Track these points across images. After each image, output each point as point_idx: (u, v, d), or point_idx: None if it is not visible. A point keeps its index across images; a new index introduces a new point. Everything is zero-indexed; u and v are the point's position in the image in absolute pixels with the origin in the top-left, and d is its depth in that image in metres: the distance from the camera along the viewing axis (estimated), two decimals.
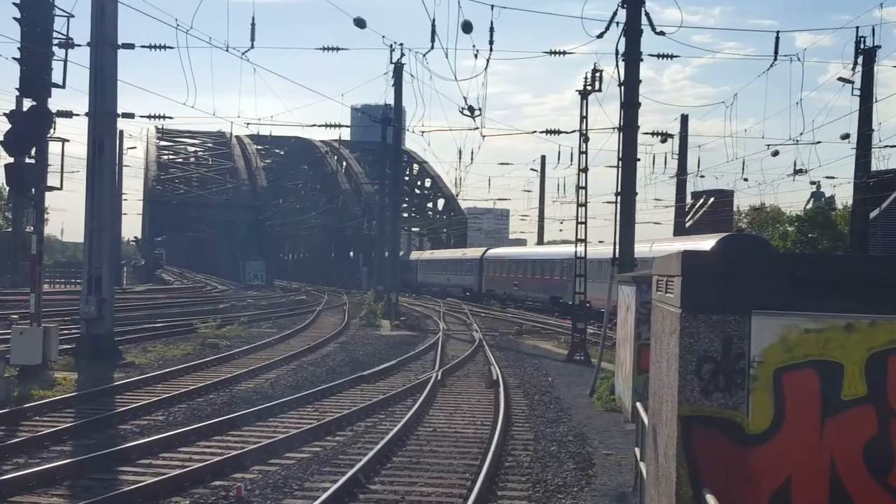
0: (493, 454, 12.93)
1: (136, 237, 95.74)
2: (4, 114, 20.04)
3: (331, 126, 41.24)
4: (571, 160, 38.09)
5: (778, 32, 24.03)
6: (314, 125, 66.05)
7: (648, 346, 16.10)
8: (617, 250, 22.64)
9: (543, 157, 79.84)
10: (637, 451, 10.59)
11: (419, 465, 12.82)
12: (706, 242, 35.56)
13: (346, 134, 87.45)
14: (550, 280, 53.18)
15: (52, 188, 21.10)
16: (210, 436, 14.24)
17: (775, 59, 24.15)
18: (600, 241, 38.29)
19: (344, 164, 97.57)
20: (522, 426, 16.08)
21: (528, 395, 19.84)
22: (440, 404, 18.22)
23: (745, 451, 6.44)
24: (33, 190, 20.62)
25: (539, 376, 23.36)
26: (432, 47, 26.40)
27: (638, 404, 10.65)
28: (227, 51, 26.29)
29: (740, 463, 6.47)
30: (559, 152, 48.77)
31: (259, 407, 16.57)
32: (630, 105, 22.08)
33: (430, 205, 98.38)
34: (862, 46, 29.08)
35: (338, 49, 30.14)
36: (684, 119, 46.87)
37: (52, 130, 20.74)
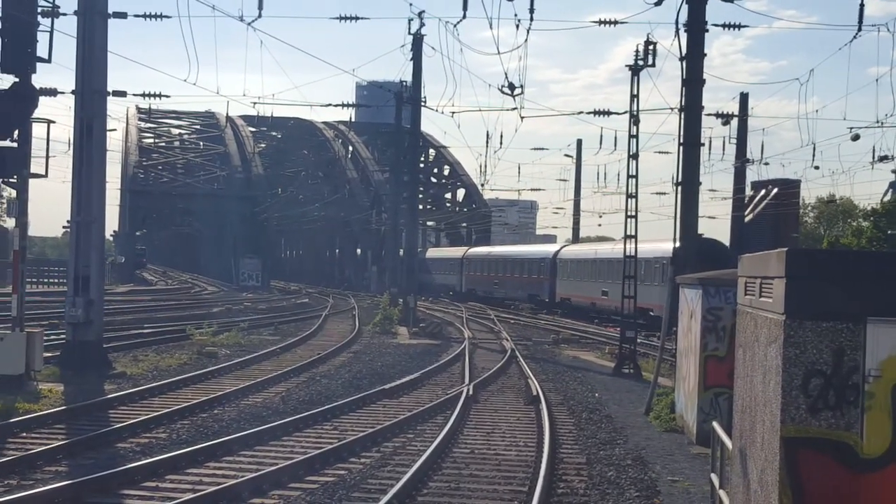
0: (544, 479, 12.99)
1: (113, 231, 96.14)
2: None
3: (346, 106, 41.39)
4: (616, 145, 38.03)
5: None
6: (328, 104, 66.01)
7: (716, 357, 16.25)
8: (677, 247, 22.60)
9: (580, 142, 79.65)
10: (714, 477, 10.65)
11: (460, 490, 12.90)
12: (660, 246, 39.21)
13: (353, 115, 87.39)
14: (528, 279, 61.23)
15: (36, 175, 21.31)
16: (220, 456, 14.37)
17: (859, 30, 24.03)
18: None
19: (350, 148, 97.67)
20: (571, 448, 16.15)
21: (574, 413, 19.91)
22: (475, 423, 18.31)
23: (859, 479, 6.48)
24: (15, 177, 20.81)
25: (584, 392, 23.43)
26: (464, 16, 26.47)
27: (715, 424, 10.70)
28: (240, 20, 26.49)
29: (852, 491, 6.50)
30: (601, 136, 48.85)
31: (271, 424, 16.70)
32: (693, 82, 22.09)
33: (447, 196, 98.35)
34: None
35: (356, 18, 30.21)
36: (744, 98, 46.65)
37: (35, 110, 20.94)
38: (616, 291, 42.96)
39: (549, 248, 62.17)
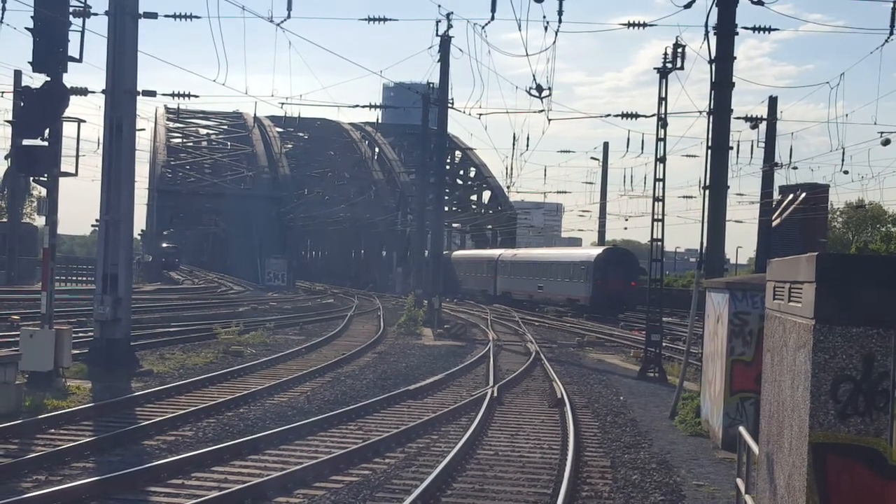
0: (568, 482, 12.97)
1: (141, 230, 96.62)
2: (17, 90, 20.31)
3: (373, 107, 41.48)
4: (643, 148, 37.94)
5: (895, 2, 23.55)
6: (355, 106, 66.79)
7: (743, 362, 16.17)
8: (704, 251, 22.55)
9: (606, 145, 79.56)
10: (740, 482, 10.57)
11: (484, 492, 12.90)
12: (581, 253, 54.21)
13: (380, 116, 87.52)
14: (480, 277, 75.67)
15: (66, 174, 21.46)
16: (245, 454, 14.45)
17: (891, 34, 23.76)
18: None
19: (377, 149, 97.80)
20: (596, 451, 16.12)
21: (599, 416, 19.87)
22: (499, 425, 18.30)
23: (887, 486, 6.43)
24: (46, 176, 20.98)
25: (609, 395, 23.37)
26: (493, 18, 26.44)
27: (741, 429, 10.62)
28: (269, 20, 26.59)
29: (881, 498, 6.45)
30: (628, 139, 49.16)
31: (297, 423, 16.76)
32: (723, 85, 21.98)
33: (473, 197, 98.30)
34: None
35: (384, 20, 30.25)
36: (772, 102, 46.26)
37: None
38: (550, 286, 62.07)
39: (494, 253, 76.73)
